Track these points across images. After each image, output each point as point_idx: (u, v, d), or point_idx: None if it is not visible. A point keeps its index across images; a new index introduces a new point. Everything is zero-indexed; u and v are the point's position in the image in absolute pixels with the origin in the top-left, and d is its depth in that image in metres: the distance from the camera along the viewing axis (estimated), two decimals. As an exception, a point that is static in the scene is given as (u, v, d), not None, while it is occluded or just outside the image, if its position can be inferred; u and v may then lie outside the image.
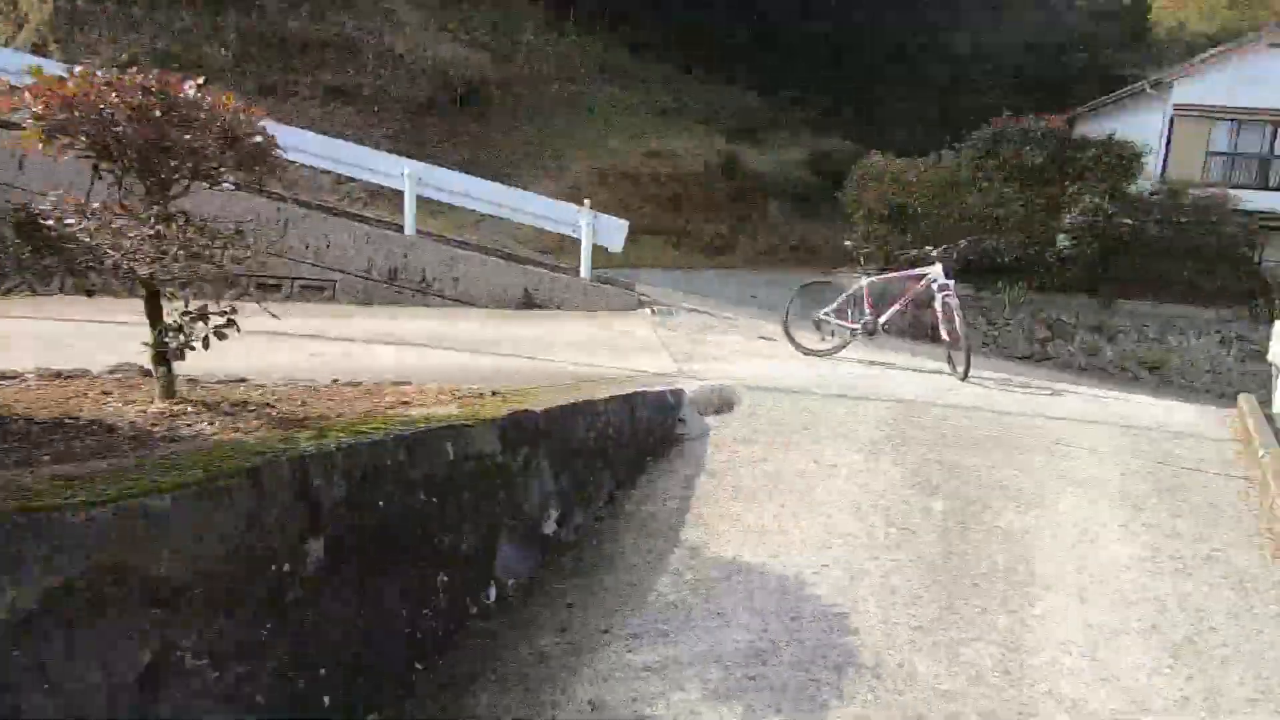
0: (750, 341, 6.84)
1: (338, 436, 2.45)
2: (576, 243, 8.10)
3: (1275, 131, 17.43)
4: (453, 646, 2.56)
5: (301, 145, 7.81)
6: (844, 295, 6.27)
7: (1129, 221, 13.48)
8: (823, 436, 4.15)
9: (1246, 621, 2.76)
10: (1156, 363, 14.14)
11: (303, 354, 4.56)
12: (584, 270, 8.03)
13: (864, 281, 6.23)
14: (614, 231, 8.23)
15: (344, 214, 8.32)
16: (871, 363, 6.36)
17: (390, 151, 10.81)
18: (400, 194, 7.79)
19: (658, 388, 4.29)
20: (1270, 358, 6.46)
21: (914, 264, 6.23)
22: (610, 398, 3.79)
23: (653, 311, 7.77)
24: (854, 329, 6.22)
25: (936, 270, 5.97)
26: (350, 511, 2.33)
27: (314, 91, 15.85)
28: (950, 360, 6.01)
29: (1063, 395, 5.77)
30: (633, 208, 18.42)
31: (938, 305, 5.94)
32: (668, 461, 3.91)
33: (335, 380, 3.59)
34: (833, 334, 6.32)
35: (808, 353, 6.31)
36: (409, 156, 9.14)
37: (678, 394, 4.37)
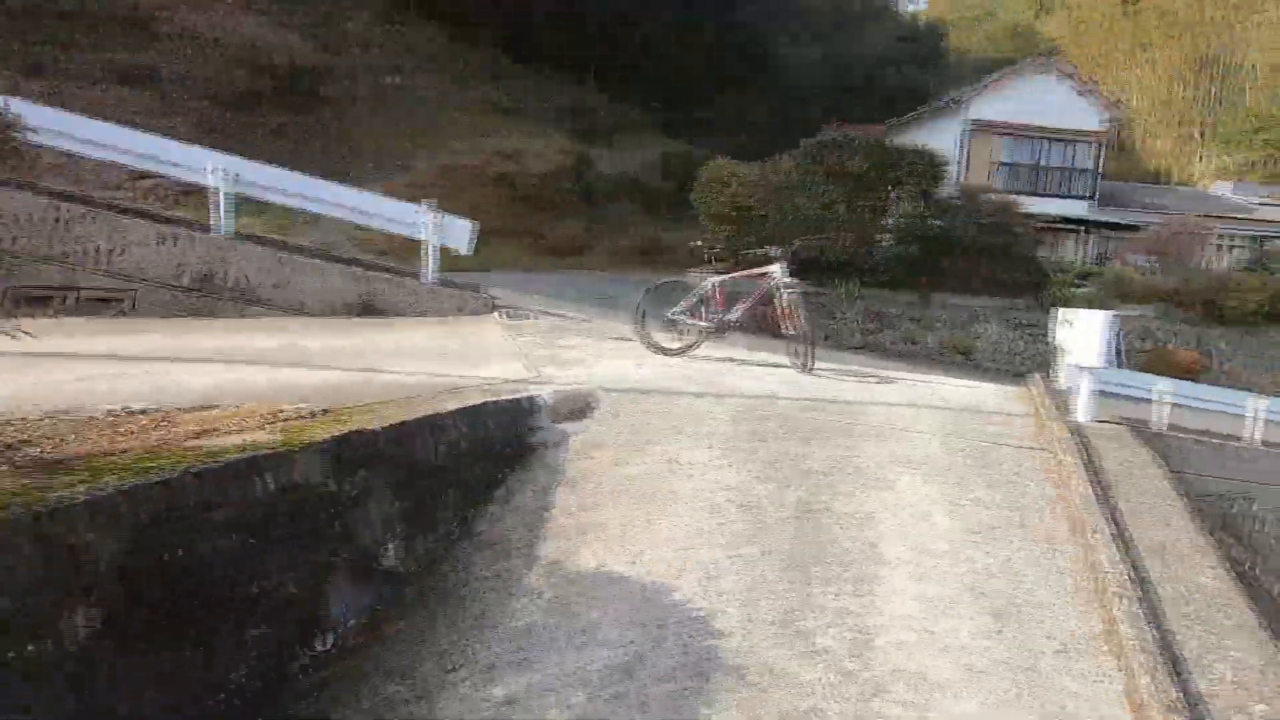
0: (606, 343, 6.77)
1: (114, 478, 2.03)
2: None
3: (1044, 146, 20.22)
4: (276, 709, 2.22)
5: (77, 131, 6.69)
6: (694, 295, 6.38)
7: (939, 223, 15.03)
8: (680, 435, 4.15)
9: (1051, 580, 3.06)
10: (966, 348, 15.90)
11: (74, 377, 3.85)
12: (429, 274, 7.57)
13: (713, 281, 6.37)
14: (460, 232, 7.83)
15: (143, 214, 7.24)
16: (724, 359, 6.52)
17: (199, 145, 9.62)
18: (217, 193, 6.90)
19: (511, 396, 4.08)
20: (1053, 340, 7.39)
21: (758, 264, 6.46)
22: (458, 410, 3.54)
23: (505, 315, 7.48)
24: (705, 327, 6.34)
25: (778, 269, 6.23)
26: (133, 567, 1.94)
27: (99, 73, 13.78)
28: (795, 353, 6.29)
29: (894, 382, 6.24)
30: (483, 208, 17.85)
31: (781, 302, 6.20)
32: (524, 473, 3.71)
33: (123, 409, 3.04)
34: (685, 332, 6.40)
35: (662, 351, 6.35)
36: (226, 150, 8.16)
37: (533, 401, 4.19)
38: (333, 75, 17.71)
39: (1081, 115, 19.95)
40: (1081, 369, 4.76)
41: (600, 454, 3.88)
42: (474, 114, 21.78)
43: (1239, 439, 9.76)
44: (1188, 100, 30.68)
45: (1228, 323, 17.28)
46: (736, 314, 6.39)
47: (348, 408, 3.20)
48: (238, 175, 6.85)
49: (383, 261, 8.09)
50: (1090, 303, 17.07)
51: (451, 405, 3.50)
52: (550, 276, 16.91)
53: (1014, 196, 16.76)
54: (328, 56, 17.85)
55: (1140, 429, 8.44)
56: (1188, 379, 16.54)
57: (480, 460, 3.54)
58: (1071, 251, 19.99)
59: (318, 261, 7.27)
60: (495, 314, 7.54)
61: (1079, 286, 16.88)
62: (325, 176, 14.83)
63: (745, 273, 6.47)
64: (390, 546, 2.91)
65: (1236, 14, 30.09)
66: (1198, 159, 30.98)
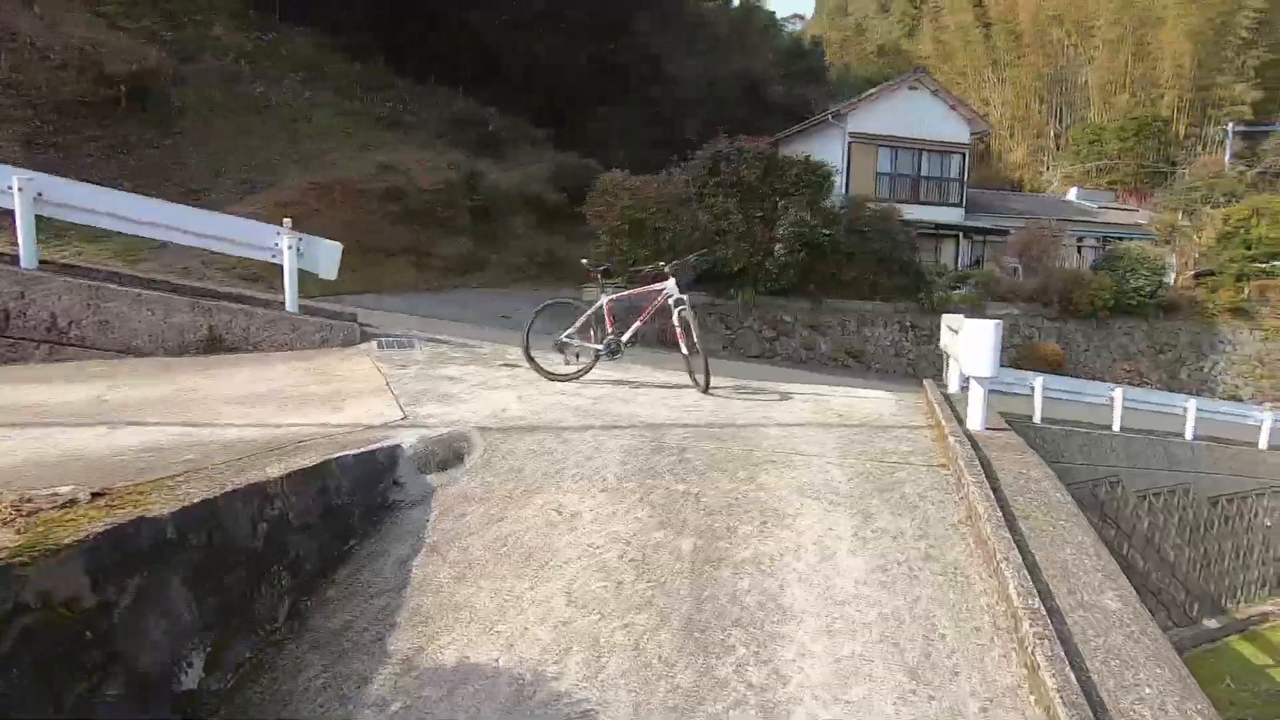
0: (493, 371, 6.23)
1: None
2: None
3: (921, 157, 21.30)
4: None
5: None
6: (585, 315, 5.96)
7: (828, 232, 15.38)
8: (566, 479, 3.70)
9: (965, 620, 2.83)
10: (858, 352, 16.35)
11: None
12: (289, 302, 6.75)
13: (604, 300, 5.98)
14: (325, 255, 7.05)
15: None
16: (618, 381, 6.14)
17: (15, 160, 8.29)
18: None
19: (362, 449, 3.49)
20: (941, 345, 7.49)
21: (650, 280, 6.13)
22: (291, 474, 2.93)
23: (380, 345, 6.77)
24: (598, 349, 5.94)
25: (671, 285, 5.91)
26: None
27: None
28: (691, 373, 6.00)
29: (791, 398, 6.05)
30: (367, 226, 16.76)
31: (674, 320, 5.89)
32: (378, 541, 3.14)
33: None
34: (577, 355, 5.97)
35: (553, 378, 5.89)
36: (53, 165, 7.00)
37: (392, 452, 3.61)
38: (188, 84, 16.10)
39: (952, 128, 21.17)
40: (974, 379, 4.69)
41: (473, 510, 3.37)
42: (355, 126, 20.52)
43: (1107, 428, 10.40)
44: (1039, 114, 33.49)
45: (1082, 317, 18.74)
46: (630, 333, 6.02)
47: (135, 486, 2.54)
48: (39, 194, 5.80)
49: (237, 290, 7.16)
50: (970, 303, 18.05)
51: (279, 469, 2.89)
52: (440, 296, 16.02)
53: (896, 205, 17.48)
54: (181, 63, 16.21)
55: (1024, 425, 8.75)
56: (1054, 370, 17.79)
57: (320, 533, 2.95)
58: (950, 256, 21.13)
59: (153, 293, 6.30)
60: (369, 343, 6.82)
61: (957, 289, 17.78)
62: (182, 194, 13.42)
63: (637, 290, 6.12)
64: (189, 663, 2.28)
65: (1075, 37, 33.17)
66: (1046, 168, 33.86)
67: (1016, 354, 17.58)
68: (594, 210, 14.45)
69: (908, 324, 17.06)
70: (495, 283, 19.35)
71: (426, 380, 5.58)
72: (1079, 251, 22.94)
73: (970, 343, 4.55)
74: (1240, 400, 18.88)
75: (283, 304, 6.80)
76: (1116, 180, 30.59)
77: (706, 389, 5.76)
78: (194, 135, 15.64)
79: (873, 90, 21.96)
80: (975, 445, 4.38)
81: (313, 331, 6.66)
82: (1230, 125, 27.53)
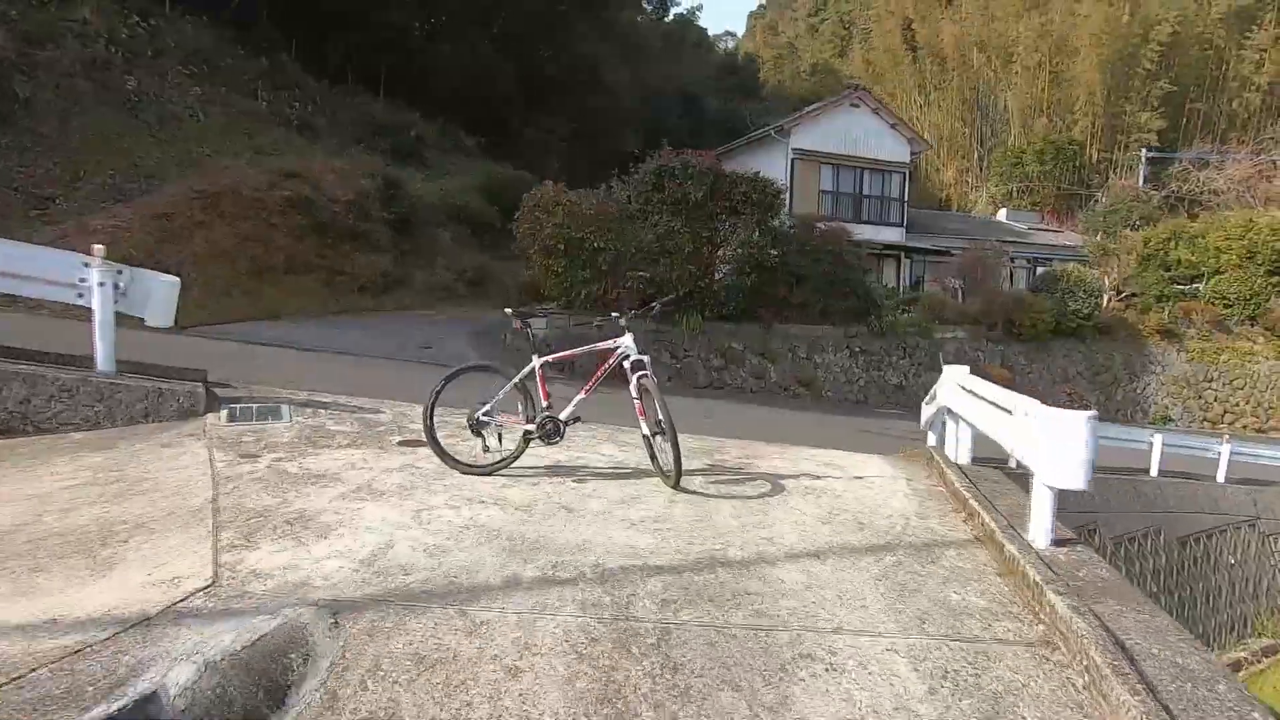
0: (387, 458, 4.53)
1: None
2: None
3: (863, 175, 20.60)
4: None
5: None
6: (510, 382, 4.34)
7: (775, 252, 14.22)
8: (472, 722, 2.09)
9: None
10: (809, 380, 15.24)
11: None
12: (101, 359, 4.83)
13: (535, 363, 4.38)
14: (157, 294, 5.14)
15: None
16: (554, 469, 4.55)
17: None
18: None
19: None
20: (939, 402, 6.24)
21: (597, 338, 4.58)
22: None
23: (231, 416, 4.93)
24: (528, 430, 4.33)
25: (627, 341, 4.39)
26: None
27: None
28: (654, 457, 4.47)
29: (784, 489, 4.60)
30: (265, 240, 14.48)
31: (632, 388, 4.36)
32: None
33: None
34: (499, 438, 4.34)
35: (468, 470, 4.25)
36: None
37: (136, 708, 1.91)
38: (39, 73, 13.47)
39: (892, 146, 20.58)
40: (1048, 488, 3.35)
41: None
42: (256, 128, 18.09)
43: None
44: (964, 136, 33.89)
45: (1024, 339, 18.36)
46: (572, 408, 4.44)
47: None
48: None
49: (29, 347, 5.15)
50: (918, 326, 17.30)
51: None
52: (350, 322, 13.95)
53: (844, 224, 16.56)
54: (29, 48, 13.57)
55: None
56: (1002, 395, 17.24)
57: None
58: (892, 276, 20.49)
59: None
60: (216, 415, 4.97)
61: (905, 311, 17.01)
62: (24, 203, 10.83)
63: (578, 350, 4.55)
64: None
65: (996, 63, 33.76)
66: (972, 189, 34.30)
67: (963, 378, 16.92)
68: (523, 228, 12.77)
69: (857, 349, 16.11)
70: (418, 303, 17.31)
71: (280, 484, 3.83)
72: (1009, 273, 22.80)
73: (1054, 442, 3.20)
74: (1171, 420, 18.92)
75: (93, 362, 4.88)
76: (1037, 201, 31.12)
77: (678, 483, 4.25)
78: (46, 133, 13.04)
79: (816, 105, 21.18)
80: (1074, 590, 3.02)
81: (132, 401, 4.76)
82: (1144, 152, 28.34)
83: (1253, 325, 20.57)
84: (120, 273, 4.97)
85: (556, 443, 4.40)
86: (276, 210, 15.03)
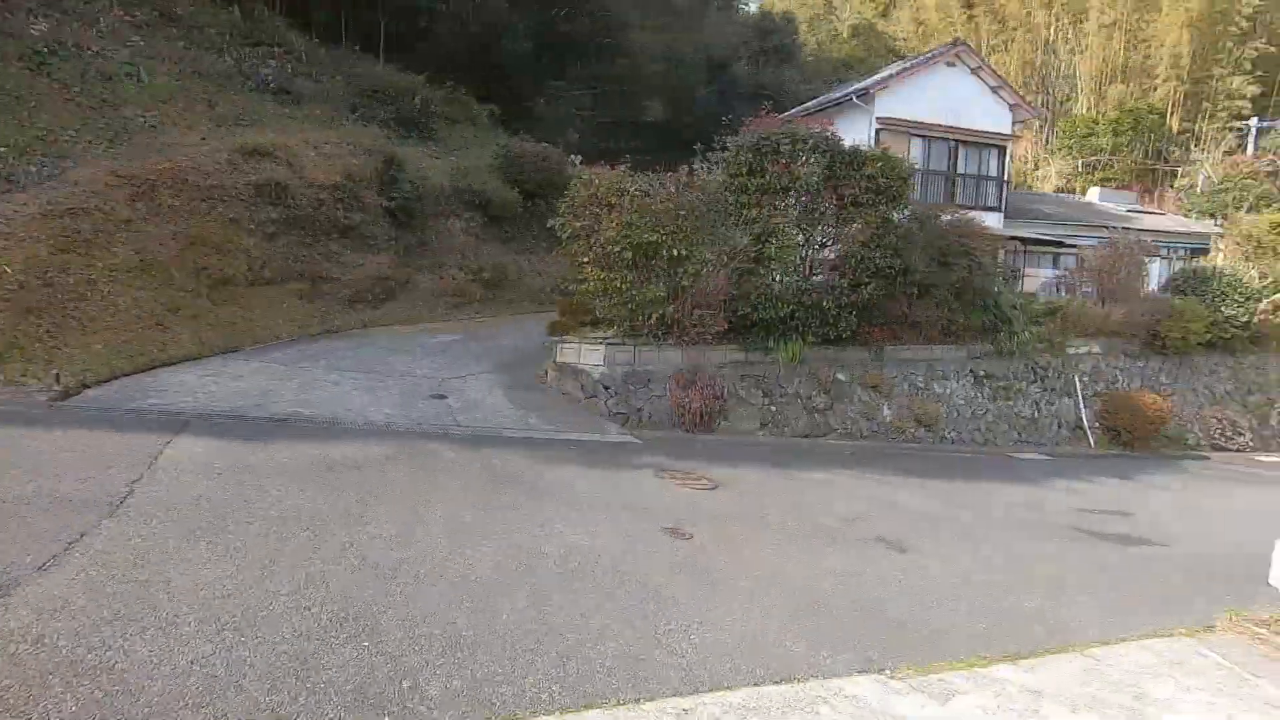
0: None
1: None
2: None
3: (956, 149, 16.50)
4: None
5: None
6: None
7: (899, 256, 10.28)
8: None
9: None
10: (930, 418, 11.43)
11: None
12: None
13: None
14: None
15: None
16: None
17: None
18: None
19: None
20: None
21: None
22: None
23: None
24: None
25: None
26: None
27: None
28: None
29: None
30: (219, 243, 10.39)
31: None
32: None
33: None
34: None
35: None
36: None
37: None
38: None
39: (993, 115, 16.43)
40: None
41: None
42: (219, 92, 13.96)
43: None
44: (1031, 105, 29.47)
45: (1165, 353, 14.52)
46: None
47: None
48: None
49: None
50: (1046, 343, 13.48)
51: None
52: (332, 349, 10.06)
53: (966, 211, 12.57)
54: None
55: None
56: (1154, 430, 13.41)
57: None
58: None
59: None
60: None
61: (1038, 324, 13.12)
62: None
63: None
64: None
65: (1064, 21, 29.19)
66: (1036, 165, 30.00)
67: (1101, 404, 13.15)
68: (573, 226, 8.81)
69: (982, 373, 12.26)
70: (424, 314, 13.45)
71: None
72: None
73: None
74: (1335, 449, 15.13)
75: None
76: (1110, 177, 26.93)
77: None
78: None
79: (905, 64, 16.98)
80: None
81: None
82: (1254, 122, 24.03)
83: None
84: None
85: None
86: (239, 200, 11.06)
